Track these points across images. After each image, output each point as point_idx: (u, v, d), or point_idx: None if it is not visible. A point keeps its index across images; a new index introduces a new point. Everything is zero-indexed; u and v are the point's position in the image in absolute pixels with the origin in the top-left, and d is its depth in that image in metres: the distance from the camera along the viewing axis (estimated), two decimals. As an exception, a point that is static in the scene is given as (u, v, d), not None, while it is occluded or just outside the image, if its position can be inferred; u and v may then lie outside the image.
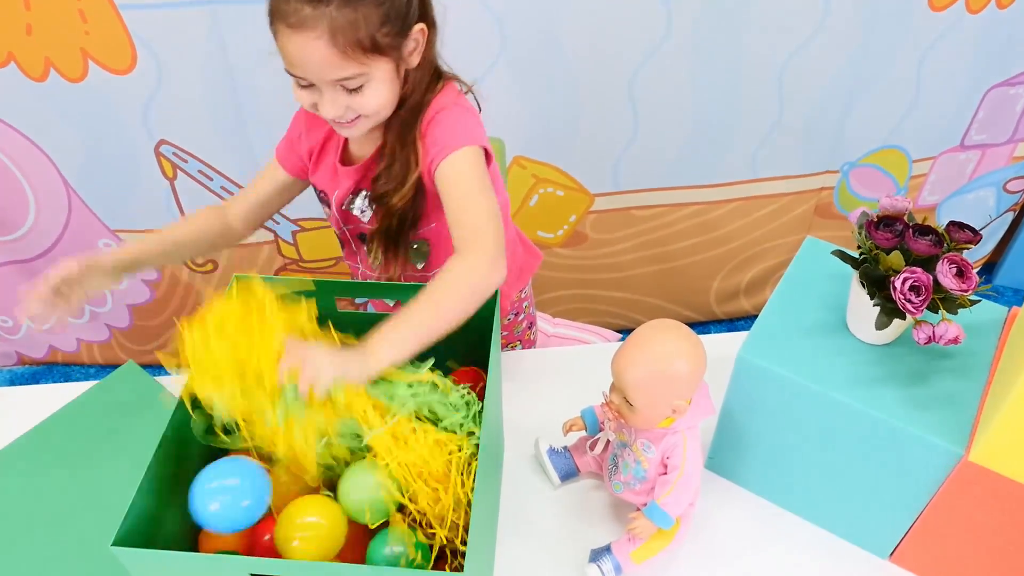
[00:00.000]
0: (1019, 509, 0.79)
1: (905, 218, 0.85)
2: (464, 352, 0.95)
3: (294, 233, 1.67)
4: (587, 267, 1.81)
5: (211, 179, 1.53)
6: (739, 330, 1.99)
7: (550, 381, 1.13)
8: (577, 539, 0.95)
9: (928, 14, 1.48)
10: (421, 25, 0.88)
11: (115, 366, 1.88)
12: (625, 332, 1.91)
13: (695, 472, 0.87)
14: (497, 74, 1.43)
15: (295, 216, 1.63)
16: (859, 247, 0.86)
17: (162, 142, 1.46)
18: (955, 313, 0.81)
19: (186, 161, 1.49)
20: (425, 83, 0.93)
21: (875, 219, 0.84)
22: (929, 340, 0.81)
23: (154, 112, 1.40)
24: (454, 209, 0.90)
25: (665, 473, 0.88)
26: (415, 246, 1.02)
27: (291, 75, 0.87)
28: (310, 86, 0.87)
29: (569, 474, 1.02)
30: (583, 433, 1.00)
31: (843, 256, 0.87)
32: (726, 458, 1.00)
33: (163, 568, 0.71)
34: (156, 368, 1.90)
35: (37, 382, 1.94)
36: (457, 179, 0.90)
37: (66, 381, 1.93)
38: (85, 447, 1.05)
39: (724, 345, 0.99)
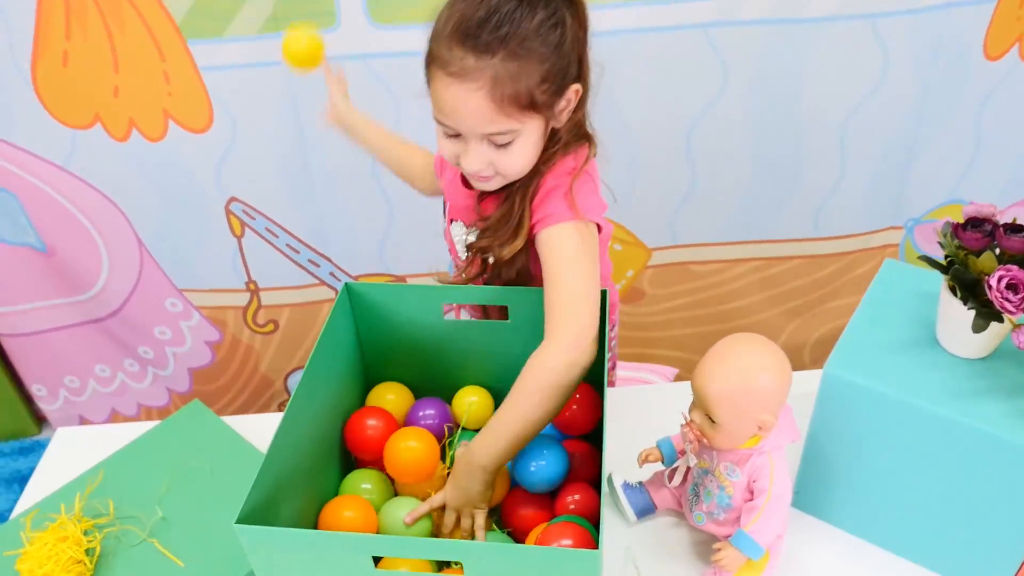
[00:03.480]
0: None
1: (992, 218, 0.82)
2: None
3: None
4: (644, 324, 1.78)
5: (277, 236, 1.57)
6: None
7: (621, 418, 1.09)
8: (657, 578, 0.89)
9: (983, 63, 1.48)
10: (577, 85, 0.85)
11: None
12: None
13: (784, 496, 0.82)
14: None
15: (356, 272, 1.65)
16: (946, 254, 0.83)
17: (232, 199, 1.51)
18: (1056, 316, 0.77)
19: (254, 218, 1.54)
20: (565, 142, 0.89)
21: (961, 223, 0.82)
22: (1032, 344, 0.76)
23: (227, 169, 1.46)
24: (546, 283, 0.87)
25: (751, 499, 0.83)
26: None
27: (439, 123, 0.85)
28: (456, 136, 0.84)
29: (646, 510, 0.96)
30: (659, 466, 0.96)
31: (930, 261, 0.84)
32: (814, 493, 0.94)
33: (284, 548, 0.71)
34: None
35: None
36: (554, 250, 0.87)
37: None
38: (156, 476, 1.04)
39: (800, 383, 0.94)
